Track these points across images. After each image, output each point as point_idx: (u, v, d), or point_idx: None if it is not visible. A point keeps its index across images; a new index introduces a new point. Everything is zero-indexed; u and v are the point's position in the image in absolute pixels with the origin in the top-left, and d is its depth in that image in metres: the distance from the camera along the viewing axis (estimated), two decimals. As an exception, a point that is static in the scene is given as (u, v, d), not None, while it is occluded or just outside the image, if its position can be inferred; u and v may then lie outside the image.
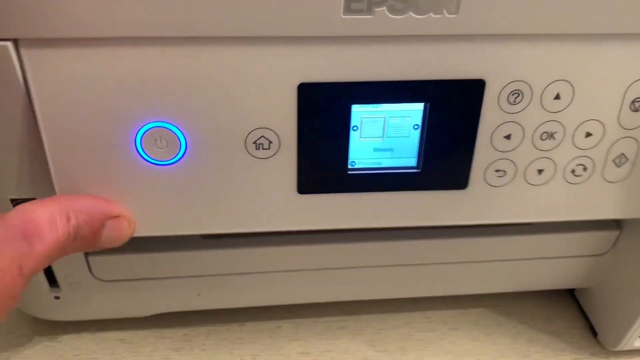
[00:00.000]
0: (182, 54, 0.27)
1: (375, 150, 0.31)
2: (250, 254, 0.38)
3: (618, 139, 0.32)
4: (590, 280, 0.42)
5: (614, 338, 0.40)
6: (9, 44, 0.25)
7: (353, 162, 0.31)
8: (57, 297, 0.38)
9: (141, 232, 0.32)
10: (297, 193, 0.32)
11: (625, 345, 0.40)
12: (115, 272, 0.37)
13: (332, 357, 0.40)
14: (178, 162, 0.30)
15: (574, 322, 0.44)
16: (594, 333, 0.42)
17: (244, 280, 0.39)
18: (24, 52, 0.26)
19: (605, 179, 0.33)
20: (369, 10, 0.26)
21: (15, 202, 0.31)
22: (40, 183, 0.30)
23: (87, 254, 0.36)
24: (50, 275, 0.37)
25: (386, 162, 0.32)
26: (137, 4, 0.25)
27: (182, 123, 0.29)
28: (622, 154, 0.32)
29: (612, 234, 0.40)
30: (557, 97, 0.30)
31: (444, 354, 0.40)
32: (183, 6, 0.25)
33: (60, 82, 0.27)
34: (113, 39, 0.26)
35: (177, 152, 0.30)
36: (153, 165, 0.30)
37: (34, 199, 0.31)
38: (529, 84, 0.30)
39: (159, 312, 0.40)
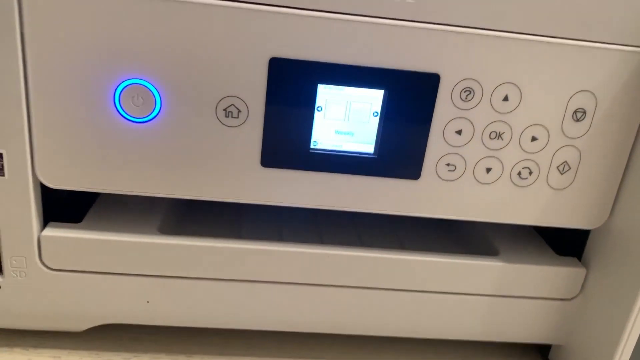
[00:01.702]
0: (164, 13, 0.30)
1: (337, 132, 0.34)
2: (208, 252, 0.37)
3: (561, 147, 0.34)
4: (562, 335, 0.41)
5: None
6: (12, -15, 0.28)
7: (315, 142, 0.34)
8: None
9: (111, 188, 0.34)
10: (260, 165, 0.34)
11: None
12: (65, 259, 0.36)
13: None
14: (152, 121, 0.32)
15: None
16: None
17: (197, 287, 0.37)
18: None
19: (549, 185, 0.35)
20: (337, -10, 0.29)
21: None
22: (10, 135, 0.32)
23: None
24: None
25: (347, 145, 0.34)
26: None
27: (158, 81, 0.31)
28: (565, 161, 0.35)
29: (579, 272, 0.39)
30: (506, 98, 0.33)
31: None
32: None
33: (52, 29, 0.30)
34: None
35: (151, 110, 0.32)
36: (129, 122, 0.32)
37: (2, 152, 0.33)
38: (480, 83, 0.32)
39: (102, 322, 0.38)
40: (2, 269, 0.36)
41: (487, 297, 0.39)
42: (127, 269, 0.36)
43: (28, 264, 0.35)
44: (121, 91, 0.31)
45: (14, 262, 0.35)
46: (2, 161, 0.33)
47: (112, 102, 0.32)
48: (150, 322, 0.38)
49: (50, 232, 0.35)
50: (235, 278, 0.37)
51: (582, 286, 0.39)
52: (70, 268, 0.36)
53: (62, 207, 0.38)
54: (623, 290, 0.36)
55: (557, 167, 0.35)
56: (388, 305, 0.39)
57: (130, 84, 0.31)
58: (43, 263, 0.36)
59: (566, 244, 0.41)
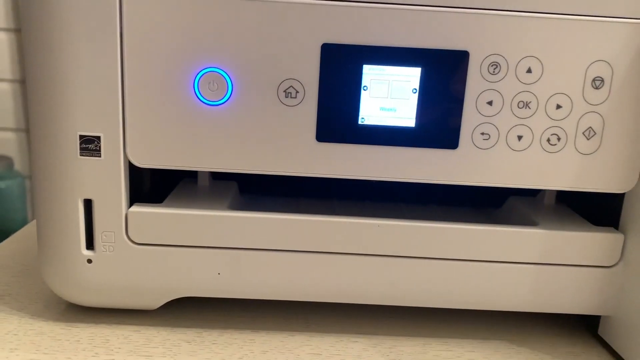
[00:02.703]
0: (234, 11, 0.36)
1: (382, 109, 0.39)
2: (271, 224, 0.41)
3: (585, 113, 0.38)
4: (608, 305, 0.42)
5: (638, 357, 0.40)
6: (116, -11, 0.36)
7: (363, 118, 0.39)
8: (89, 261, 0.41)
9: (190, 165, 0.39)
10: (316, 140, 0.39)
11: None
12: (148, 233, 0.40)
13: (342, 358, 0.41)
14: (225, 103, 0.38)
15: (600, 355, 0.43)
16: None
17: (262, 259, 0.41)
18: (126, -4, 0.36)
19: (578, 150, 0.39)
20: (376, -19, 0.35)
21: (84, 139, 0.39)
22: (108, 120, 0.38)
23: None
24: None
25: (390, 120, 0.39)
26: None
27: (230, 69, 0.37)
28: (590, 127, 0.38)
29: (617, 237, 0.41)
30: (529, 70, 0.37)
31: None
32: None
33: (146, 24, 0.36)
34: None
35: (224, 94, 0.38)
36: (206, 105, 0.38)
37: (100, 136, 0.39)
38: (505, 58, 0.37)
39: (178, 295, 0.42)
40: (94, 244, 0.41)
41: (529, 266, 0.41)
42: (200, 242, 0.41)
43: (116, 239, 0.41)
44: (199, 79, 0.38)
45: (104, 237, 0.41)
46: (100, 144, 0.39)
47: (192, 89, 0.38)
48: (220, 294, 0.42)
49: (136, 209, 0.41)
50: (297, 249, 0.41)
51: (622, 253, 0.41)
52: (152, 242, 0.41)
53: (145, 195, 0.44)
54: (660, 251, 0.38)
55: (583, 133, 0.39)
56: (438, 275, 0.42)
57: (207, 72, 0.37)
58: (129, 237, 0.41)
59: (602, 216, 0.43)
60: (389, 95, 0.39)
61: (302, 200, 0.50)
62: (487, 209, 0.50)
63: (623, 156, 0.39)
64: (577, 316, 0.47)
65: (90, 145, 0.39)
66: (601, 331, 0.44)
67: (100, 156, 0.39)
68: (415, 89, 0.38)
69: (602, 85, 0.38)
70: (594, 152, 0.39)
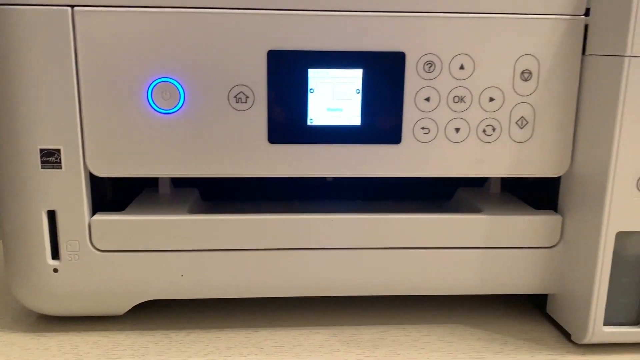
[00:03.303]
0: (183, 24, 0.38)
1: (328, 109, 0.41)
2: (229, 225, 0.43)
3: (516, 104, 0.41)
4: (552, 284, 0.45)
5: (582, 331, 0.42)
6: (68, 9, 0.37)
7: (311, 119, 0.41)
8: (55, 270, 0.42)
9: (147, 172, 0.41)
10: (268, 142, 0.41)
11: (593, 335, 0.42)
12: (111, 240, 0.42)
13: (305, 349, 0.43)
14: (178, 112, 0.40)
15: (549, 332, 0.46)
16: (569, 337, 0.44)
17: (222, 258, 0.43)
18: (77, 15, 0.38)
19: (512, 139, 0.42)
20: (315, -11, 0.38)
21: (45, 152, 0.41)
22: (67, 133, 0.40)
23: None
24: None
25: (337, 119, 0.41)
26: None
27: (181, 78, 0.39)
28: (522, 117, 0.41)
29: (555, 219, 0.44)
30: (462, 67, 0.40)
31: (416, 350, 0.43)
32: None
33: (99, 40, 0.38)
34: (140, 7, 0.38)
35: (177, 103, 0.40)
36: (160, 114, 0.40)
37: (60, 149, 0.40)
38: (438, 57, 0.40)
39: (143, 299, 0.44)
40: (59, 254, 0.43)
41: (476, 250, 0.44)
42: (162, 246, 0.43)
43: (81, 247, 0.42)
44: (152, 89, 0.40)
45: (69, 246, 0.42)
46: (60, 156, 0.40)
47: (146, 99, 0.40)
48: (185, 295, 0.44)
49: (99, 217, 0.42)
50: (256, 247, 0.43)
51: (561, 234, 0.44)
52: (116, 248, 0.43)
53: (108, 203, 0.45)
54: (589, 233, 0.41)
55: (516, 123, 0.41)
56: (391, 264, 0.44)
57: (160, 82, 0.39)
58: (93, 245, 0.42)
59: (542, 201, 0.46)
60: (334, 97, 0.41)
61: (263, 202, 0.52)
62: (439, 200, 0.53)
63: (555, 142, 0.42)
64: (526, 296, 0.50)
65: (50, 158, 0.40)
66: (549, 309, 0.47)
67: (61, 168, 0.41)
68: (359, 90, 0.41)
69: (531, 77, 0.41)
70: (528, 139, 0.42)
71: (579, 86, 0.41)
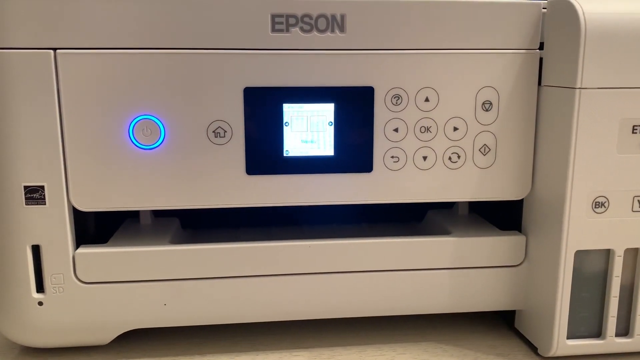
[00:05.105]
0: (162, 64, 0.40)
1: (303, 141, 0.43)
2: (211, 254, 0.45)
3: (479, 133, 0.44)
4: (519, 301, 0.48)
5: (547, 345, 0.44)
6: (51, 52, 0.39)
7: (287, 150, 0.43)
8: (40, 303, 0.43)
9: (130, 205, 0.42)
10: (246, 174, 0.43)
11: (558, 348, 0.44)
12: (95, 272, 0.43)
13: None
14: (158, 147, 0.42)
15: (518, 346, 0.48)
16: (536, 351, 0.46)
17: (204, 287, 0.45)
18: (59, 57, 0.39)
19: (476, 165, 0.44)
20: (287, 30, 0.40)
21: (29, 189, 0.42)
22: (50, 169, 0.41)
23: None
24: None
25: (311, 150, 0.43)
26: (136, 23, 0.39)
27: (161, 115, 0.41)
28: (485, 144, 0.44)
29: (519, 239, 0.46)
30: (427, 99, 0.43)
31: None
32: (160, 25, 0.39)
33: (81, 80, 0.40)
34: (120, 49, 0.40)
35: (157, 139, 0.42)
36: (141, 149, 0.42)
37: (44, 185, 0.42)
38: (405, 90, 0.43)
39: (127, 329, 0.45)
40: (44, 287, 0.44)
41: (445, 271, 0.46)
42: (145, 276, 0.44)
43: (65, 280, 0.43)
44: (133, 126, 0.41)
45: (54, 279, 0.43)
46: (44, 192, 0.42)
47: (127, 135, 0.41)
48: (167, 323, 0.45)
49: (83, 250, 0.43)
50: (236, 274, 0.45)
51: (526, 253, 0.47)
52: (100, 280, 0.44)
53: (91, 236, 0.47)
54: (551, 252, 0.44)
55: (479, 150, 0.44)
56: (366, 287, 0.46)
57: (140, 120, 0.41)
58: (77, 278, 0.43)
59: (508, 222, 0.49)
60: (308, 129, 0.43)
61: (242, 230, 0.53)
62: (411, 222, 0.55)
63: (516, 167, 0.45)
64: (495, 313, 0.52)
65: (35, 194, 0.42)
66: (517, 324, 0.50)
67: (45, 204, 0.42)
68: (331, 122, 0.43)
69: (491, 107, 0.44)
70: (491, 165, 0.45)
71: (536, 115, 0.44)
